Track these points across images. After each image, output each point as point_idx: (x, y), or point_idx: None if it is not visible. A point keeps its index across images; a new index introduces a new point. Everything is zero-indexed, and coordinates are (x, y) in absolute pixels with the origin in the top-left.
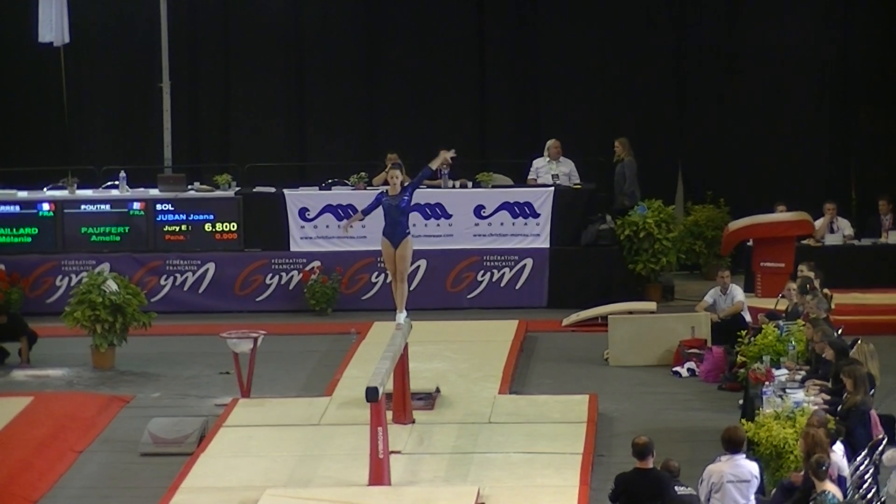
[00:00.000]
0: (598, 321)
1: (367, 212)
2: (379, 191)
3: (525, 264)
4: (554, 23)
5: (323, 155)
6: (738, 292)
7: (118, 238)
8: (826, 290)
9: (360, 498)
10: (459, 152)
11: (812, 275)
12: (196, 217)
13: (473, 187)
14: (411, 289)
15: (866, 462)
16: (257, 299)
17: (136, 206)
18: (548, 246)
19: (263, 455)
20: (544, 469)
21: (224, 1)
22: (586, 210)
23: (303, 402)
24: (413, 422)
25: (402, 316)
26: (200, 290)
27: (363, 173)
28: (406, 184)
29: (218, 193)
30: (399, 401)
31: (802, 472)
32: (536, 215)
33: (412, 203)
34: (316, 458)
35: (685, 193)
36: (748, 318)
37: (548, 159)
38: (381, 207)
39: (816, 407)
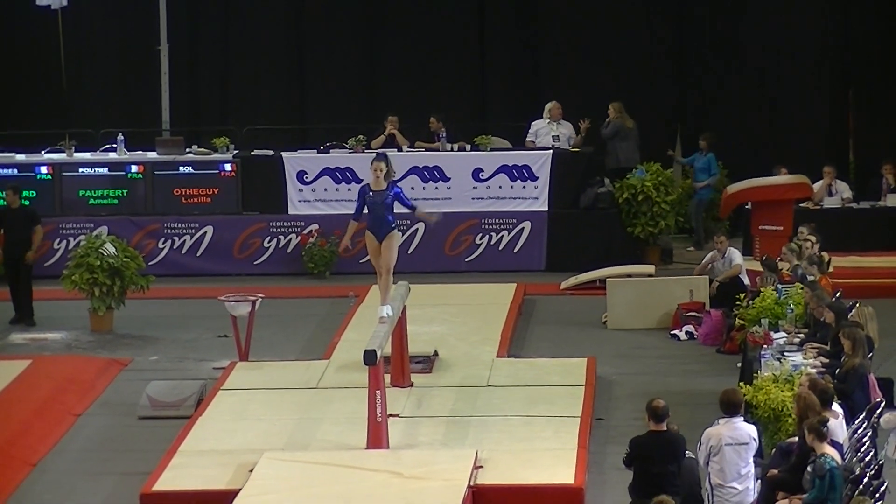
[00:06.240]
0: (597, 284)
1: (357, 216)
2: (361, 185)
3: (523, 227)
4: None
5: (322, 118)
6: (736, 256)
7: (116, 201)
8: (824, 253)
9: (359, 461)
10: (459, 115)
11: (814, 238)
12: None
13: (472, 150)
14: (409, 251)
15: (864, 425)
16: (255, 262)
17: (135, 168)
18: (546, 209)
19: (262, 418)
20: (543, 432)
21: None
22: (585, 173)
23: (301, 366)
24: (411, 385)
25: (385, 309)
26: (198, 254)
27: (361, 136)
28: (391, 179)
29: (216, 156)
30: (397, 364)
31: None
32: (535, 178)
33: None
34: (314, 422)
35: (684, 157)
36: (746, 281)
37: (548, 121)
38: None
39: (814, 370)
